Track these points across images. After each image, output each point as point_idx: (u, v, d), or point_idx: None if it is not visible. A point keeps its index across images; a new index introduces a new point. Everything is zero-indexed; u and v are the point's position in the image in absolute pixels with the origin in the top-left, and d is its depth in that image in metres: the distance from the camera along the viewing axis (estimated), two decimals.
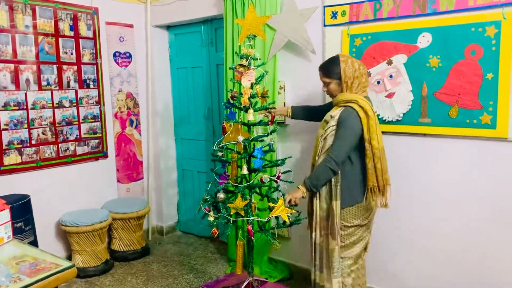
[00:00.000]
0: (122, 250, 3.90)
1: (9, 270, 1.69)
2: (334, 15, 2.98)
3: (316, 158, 2.51)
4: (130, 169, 4.29)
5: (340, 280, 2.47)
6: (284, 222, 2.53)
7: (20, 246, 2.01)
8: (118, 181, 4.20)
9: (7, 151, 3.34)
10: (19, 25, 3.37)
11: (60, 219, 3.61)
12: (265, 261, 3.49)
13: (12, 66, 3.34)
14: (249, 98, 2.58)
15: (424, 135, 2.73)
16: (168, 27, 4.39)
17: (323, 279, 2.51)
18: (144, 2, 4.24)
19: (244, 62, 2.57)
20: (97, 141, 3.96)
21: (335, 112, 2.44)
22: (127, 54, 4.19)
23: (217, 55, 4.01)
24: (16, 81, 3.37)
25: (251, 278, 2.77)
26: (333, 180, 2.41)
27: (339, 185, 2.42)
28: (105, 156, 4.04)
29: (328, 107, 2.71)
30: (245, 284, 2.74)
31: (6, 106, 3.32)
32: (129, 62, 4.21)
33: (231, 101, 2.68)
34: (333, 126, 2.42)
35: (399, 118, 2.79)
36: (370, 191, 2.40)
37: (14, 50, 3.35)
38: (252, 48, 2.63)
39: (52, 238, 3.71)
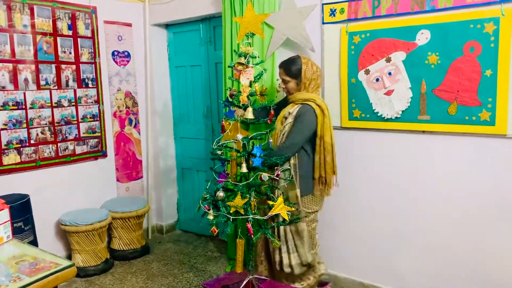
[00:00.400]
0: (122, 249, 3.90)
1: (8, 269, 1.69)
2: (332, 12, 2.98)
3: None
4: (130, 168, 4.29)
5: (314, 251, 2.81)
6: (284, 220, 2.53)
7: (19, 245, 2.01)
8: (118, 180, 4.19)
9: (6, 151, 3.33)
10: (17, 24, 3.37)
11: (60, 218, 3.61)
12: None
13: (10, 65, 3.34)
14: (248, 96, 2.57)
15: (423, 132, 2.73)
16: (167, 26, 4.38)
17: (294, 258, 2.74)
18: (143, 1, 4.24)
19: (242, 60, 2.57)
20: (96, 140, 3.95)
21: (293, 109, 2.67)
22: (126, 53, 4.18)
23: (216, 53, 4.01)
24: (14, 80, 3.37)
25: (251, 276, 2.77)
26: (291, 171, 2.65)
27: (298, 176, 2.66)
28: (104, 155, 4.04)
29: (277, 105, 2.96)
30: (245, 282, 2.74)
31: (4, 106, 3.32)
32: (128, 61, 4.21)
33: (230, 99, 2.67)
34: (290, 122, 2.66)
35: (398, 116, 2.78)
36: (317, 182, 2.70)
37: (12, 50, 3.34)
38: (250, 46, 2.62)
39: (52, 237, 3.71)
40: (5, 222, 2.00)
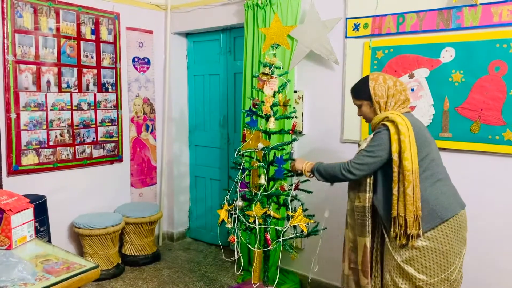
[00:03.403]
0: (133, 254, 3.89)
1: (34, 268, 1.69)
2: (356, 27, 3.00)
3: None
4: (144, 174, 4.30)
5: None
6: (302, 231, 2.52)
7: (42, 245, 2.01)
8: (132, 185, 4.20)
9: (25, 151, 3.36)
10: (43, 27, 3.42)
11: (74, 221, 3.61)
12: (275, 270, 3.46)
13: (34, 67, 3.38)
14: (271, 107, 2.59)
15: (444, 149, 2.71)
16: (187, 34, 4.42)
17: None
18: (165, 9, 4.29)
19: (267, 70, 2.59)
20: (113, 144, 3.97)
21: (369, 136, 2.18)
22: (146, 60, 4.23)
23: (235, 63, 4.03)
24: (37, 82, 3.41)
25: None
26: (362, 213, 2.19)
27: (369, 218, 2.18)
28: (120, 160, 4.05)
29: None
30: None
31: (26, 106, 3.35)
32: (148, 68, 4.25)
33: (253, 109, 2.69)
34: (364, 147, 2.16)
35: None
36: (394, 222, 2.05)
37: (37, 52, 3.39)
38: (275, 57, 2.64)
39: (65, 239, 3.71)
40: (29, 221, 2.01)
